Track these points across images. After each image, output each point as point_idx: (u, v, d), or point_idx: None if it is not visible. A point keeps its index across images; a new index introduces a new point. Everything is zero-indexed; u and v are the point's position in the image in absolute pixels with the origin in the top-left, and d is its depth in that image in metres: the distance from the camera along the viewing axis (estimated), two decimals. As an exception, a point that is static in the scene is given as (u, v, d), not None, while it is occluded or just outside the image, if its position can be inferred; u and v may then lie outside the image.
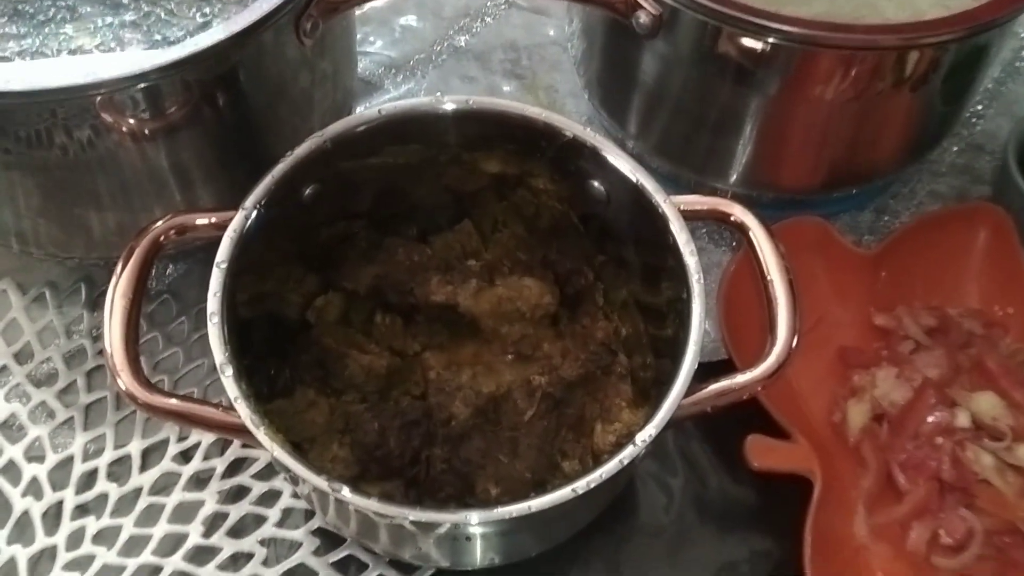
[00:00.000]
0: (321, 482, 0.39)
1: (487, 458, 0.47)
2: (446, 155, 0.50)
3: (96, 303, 0.57)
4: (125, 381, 0.41)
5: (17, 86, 0.41)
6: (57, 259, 0.55)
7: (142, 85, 0.44)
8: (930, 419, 0.51)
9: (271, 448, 0.39)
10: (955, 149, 0.67)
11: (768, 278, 0.45)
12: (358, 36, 0.66)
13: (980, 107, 0.69)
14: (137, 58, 0.42)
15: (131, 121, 0.46)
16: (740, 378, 0.43)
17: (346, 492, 0.38)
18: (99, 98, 0.43)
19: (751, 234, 0.46)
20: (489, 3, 0.73)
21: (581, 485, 0.39)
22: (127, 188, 0.49)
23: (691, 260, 0.44)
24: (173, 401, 0.41)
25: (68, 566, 0.48)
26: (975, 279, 0.57)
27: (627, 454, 0.40)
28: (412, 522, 0.40)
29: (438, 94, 0.48)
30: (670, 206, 0.45)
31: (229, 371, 0.40)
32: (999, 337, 0.55)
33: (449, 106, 0.48)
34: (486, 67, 0.70)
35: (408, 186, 0.52)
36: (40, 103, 0.43)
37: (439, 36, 0.72)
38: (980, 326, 0.55)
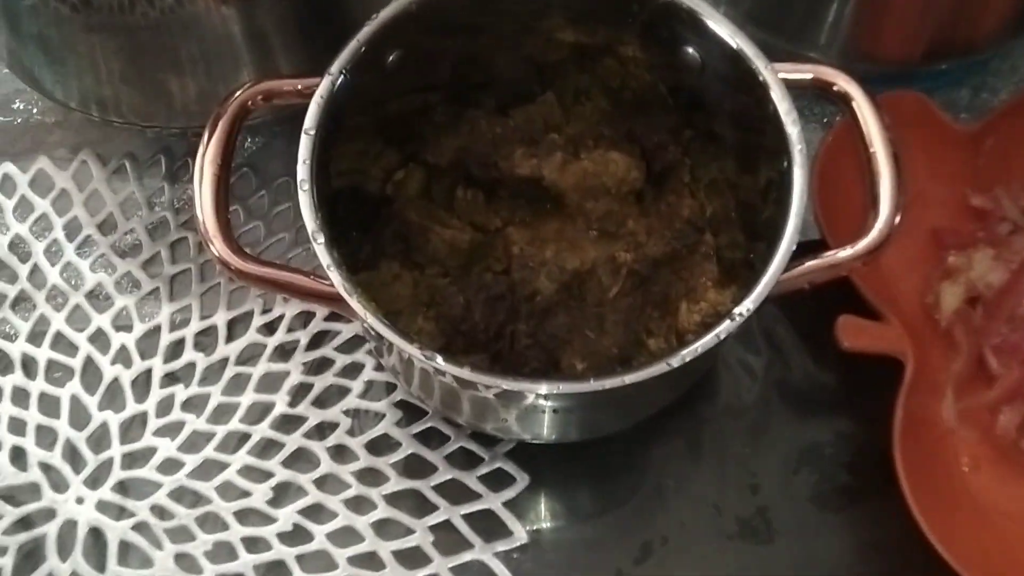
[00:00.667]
0: (414, 350, 0.39)
1: (572, 333, 0.47)
2: (532, 21, 0.48)
3: (176, 175, 0.56)
4: (218, 248, 0.41)
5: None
6: (137, 128, 0.54)
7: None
8: (1029, 302, 0.49)
9: (364, 315, 0.39)
10: (1061, 24, 0.63)
11: (872, 150, 0.43)
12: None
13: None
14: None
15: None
16: (841, 253, 0.41)
17: (439, 360, 0.38)
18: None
19: (854, 104, 0.44)
20: None
21: (676, 358, 0.38)
22: (208, 54, 0.48)
23: (793, 130, 0.42)
24: (266, 268, 0.41)
25: (159, 432, 0.50)
26: (1080, 160, 0.55)
27: (724, 328, 0.39)
28: (500, 393, 0.40)
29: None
30: (771, 73, 0.43)
31: (321, 239, 0.40)
32: (1103, 220, 0.53)
33: (539, -32, 0.46)
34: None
35: (489, 56, 0.50)
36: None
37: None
38: (1083, 209, 0.53)
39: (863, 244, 0.41)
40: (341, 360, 0.51)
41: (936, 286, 0.52)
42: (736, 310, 0.39)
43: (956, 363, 0.50)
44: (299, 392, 0.50)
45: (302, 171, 0.41)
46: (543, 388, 0.39)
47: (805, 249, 0.42)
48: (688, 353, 0.39)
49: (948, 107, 0.59)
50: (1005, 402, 0.49)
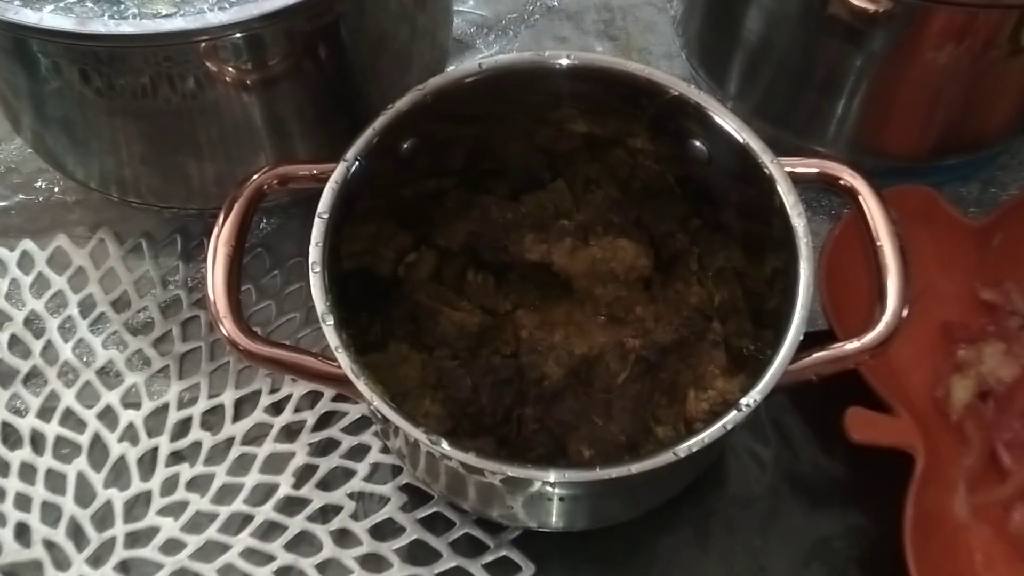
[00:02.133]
0: (420, 434, 0.38)
1: (580, 419, 0.47)
2: (543, 112, 0.49)
3: (191, 255, 0.57)
4: (228, 328, 0.41)
5: (126, 29, 0.41)
6: (155, 208, 0.55)
7: (246, 33, 0.43)
8: (1040, 397, 0.49)
9: (371, 398, 0.39)
10: (1068, 120, 0.64)
11: (878, 244, 0.43)
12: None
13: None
14: (243, 8, 0.42)
15: (234, 70, 0.46)
16: (848, 346, 0.41)
17: (444, 445, 0.38)
18: (203, 45, 0.43)
19: (861, 198, 0.44)
20: (583, -38, 0.72)
21: (683, 448, 0.38)
22: (227, 138, 0.49)
23: (799, 223, 0.43)
24: (274, 349, 0.41)
25: (163, 511, 0.49)
26: (1089, 255, 0.55)
27: (731, 419, 0.39)
28: (506, 479, 0.40)
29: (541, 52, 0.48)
30: (777, 167, 0.44)
31: (330, 320, 0.40)
32: (1114, 316, 0.53)
33: (551, 62, 0.47)
34: (579, 27, 0.69)
35: (501, 144, 0.51)
36: (145, 48, 0.43)
37: (532, -5, 0.71)
38: (1093, 304, 0.53)
39: (870, 337, 0.41)
40: (347, 442, 0.51)
41: (946, 380, 0.52)
42: (743, 400, 0.39)
43: (968, 458, 0.50)
44: (304, 473, 0.50)
45: (314, 254, 0.42)
46: (550, 476, 0.39)
47: (813, 340, 0.42)
48: (695, 443, 0.39)
49: (957, 201, 0.60)
50: (1019, 499, 0.48)
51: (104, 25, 0.41)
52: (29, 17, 0.42)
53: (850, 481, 0.51)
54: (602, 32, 0.69)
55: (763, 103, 0.57)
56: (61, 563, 0.48)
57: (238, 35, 0.44)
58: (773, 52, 0.54)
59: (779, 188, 0.44)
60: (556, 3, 0.70)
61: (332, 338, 0.40)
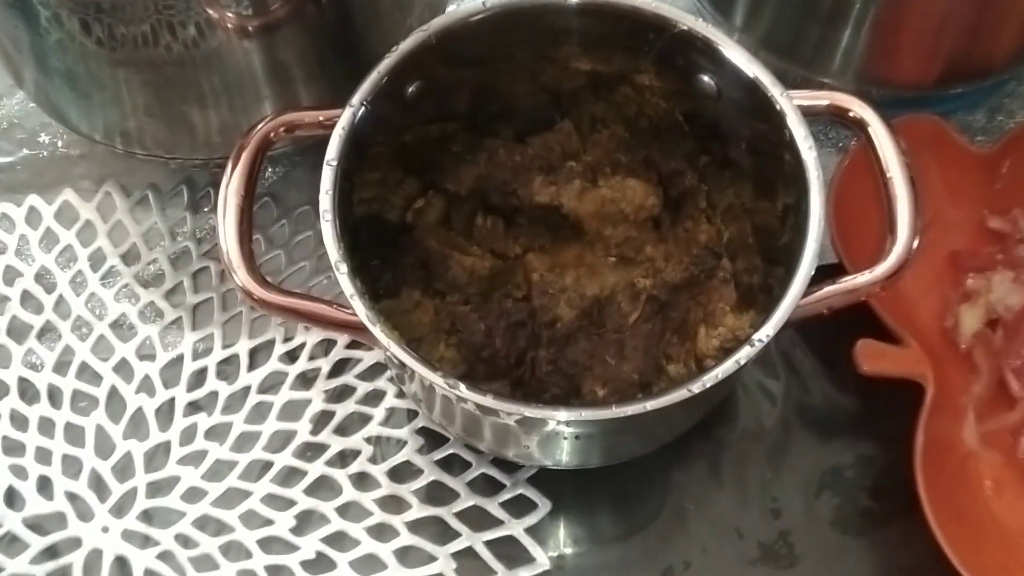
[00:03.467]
0: (437, 378, 0.39)
1: (593, 360, 0.47)
2: (549, 51, 0.49)
3: (198, 205, 0.57)
4: (241, 278, 0.41)
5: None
6: (160, 160, 0.55)
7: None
8: (1050, 324, 0.49)
9: (387, 345, 0.39)
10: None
11: (888, 175, 0.43)
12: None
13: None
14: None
15: (235, 16, 0.45)
16: (860, 278, 0.42)
17: (462, 388, 0.39)
18: (204, -9, 0.43)
19: (870, 130, 0.44)
20: None
21: (697, 385, 0.39)
22: (230, 86, 0.49)
23: (810, 155, 0.42)
24: (288, 298, 0.42)
25: (182, 460, 0.50)
26: (1097, 181, 0.55)
27: (744, 354, 0.39)
28: (522, 419, 0.41)
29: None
30: (787, 100, 0.44)
31: (344, 268, 0.40)
32: (1122, 241, 0.53)
33: (556, -1, 0.46)
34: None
35: (506, 86, 0.51)
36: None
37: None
38: (1102, 230, 0.53)
39: (881, 269, 0.42)
40: (362, 388, 0.51)
41: (955, 309, 0.52)
42: (755, 336, 0.39)
43: (977, 386, 0.50)
44: (321, 420, 0.51)
45: (325, 201, 0.42)
46: (564, 415, 0.40)
47: (823, 274, 0.42)
48: (709, 379, 0.39)
49: (964, 130, 0.59)
50: (1027, 425, 0.49)
51: (102, -26, 0.41)
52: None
53: (859, 412, 0.52)
54: (603, -33, 0.68)
55: (769, 34, 0.57)
56: (84, 514, 0.49)
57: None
58: (777, -17, 0.54)
59: (789, 122, 0.43)
60: (555, -61, 0.69)
61: (347, 285, 0.40)
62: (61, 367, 0.52)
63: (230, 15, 0.45)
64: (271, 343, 0.53)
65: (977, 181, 0.55)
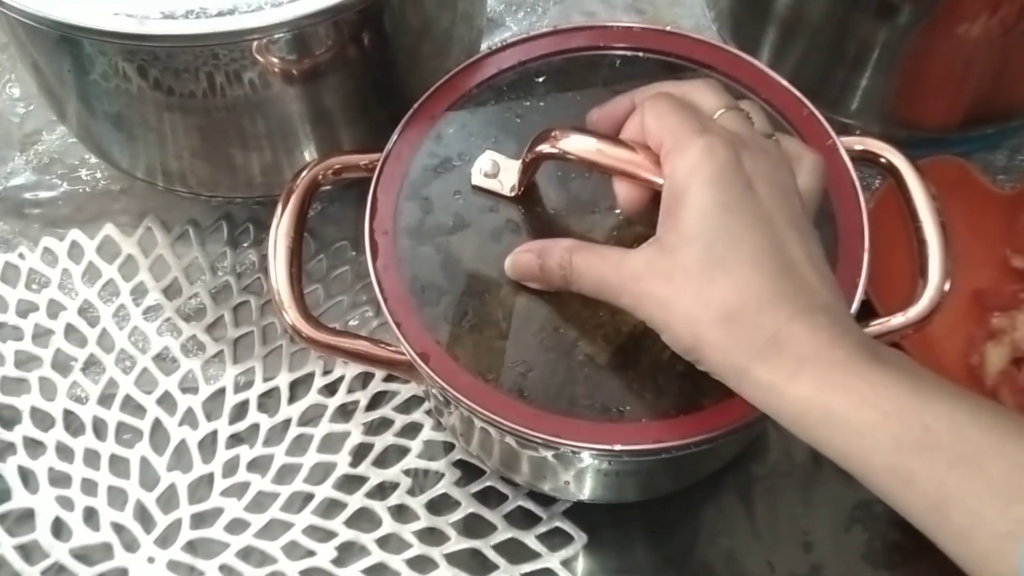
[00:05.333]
0: (498, 419, 0.40)
1: (630, 395, 0.48)
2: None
3: (237, 241, 0.58)
4: (292, 317, 0.43)
5: (182, 30, 0.42)
6: (200, 197, 0.56)
7: (297, 29, 0.44)
8: (1074, 363, 0.50)
9: (442, 384, 0.41)
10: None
11: (919, 220, 0.45)
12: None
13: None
14: (294, 5, 0.43)
15: (284, 64, 0.47)
16: (894, 320, 0.43)
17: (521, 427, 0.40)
18: (256, 43, 0.44)
19: (902, 175, 0.46)
20: (608, -65, 0.72)
21: (734, 423, 0.40)
22: (275, 130, 0.50)
23: (859, 200, 0.44)
24: (337, 338, 0.43)
25: (225, 492, 0.51)
26: (1118, 220, 0.56)
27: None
28: (560, 453, 0.42)
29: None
30: (838, 144, 0.45)
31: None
32: None
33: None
34: (607, 2, 0.70)
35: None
36: (201, 47, 0.44)
37: (558, -30, 0.71)
38: (1123, 268, 0.54)
39: (915, 312, 0.43)
40: (400, 420, 0.53)
41: (981, 347, 0.53)
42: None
43: (1003, 422, 0.51)
44: (360, 452, 0.52)
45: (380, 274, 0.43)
46: (618, 447, 0.41)
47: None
48: (745, 418, 0.40)
49: (986, 169, 0.61)
50: (1053, 461, 0.49)
51: (161, 26, 0.42)
52: (86, 18, 0.43)
53: (888, 446, 0.53)
54: (630, 6, 0.70)
55: (795, 76, 0.57)
56: (130, 545, 0.50)
57: (289, 32, 0.44)
58: (805, 27, 0.55)
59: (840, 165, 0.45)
60: (583, -23, 0.71)
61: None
62: (105, 400, 0.53)
63: (278, 63, 0.46)
64: (311, 376, 0.54)
65: (1000, 221, 0.56)
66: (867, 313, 0.45)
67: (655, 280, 0.38)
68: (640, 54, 0.49)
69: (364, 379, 0.54)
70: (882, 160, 0.46)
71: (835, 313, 0.36)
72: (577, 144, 0.42)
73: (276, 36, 0.44)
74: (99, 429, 0.53)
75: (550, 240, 0.43)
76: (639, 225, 0.52)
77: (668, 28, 0.50)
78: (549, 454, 0.44)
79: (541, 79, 0.49)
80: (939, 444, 0.32)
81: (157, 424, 0.53)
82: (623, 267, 0.39)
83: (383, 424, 0.53)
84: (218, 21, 0.43)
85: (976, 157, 0.61)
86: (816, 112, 0.47)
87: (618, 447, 0.41)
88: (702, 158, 0.36)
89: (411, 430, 0.52)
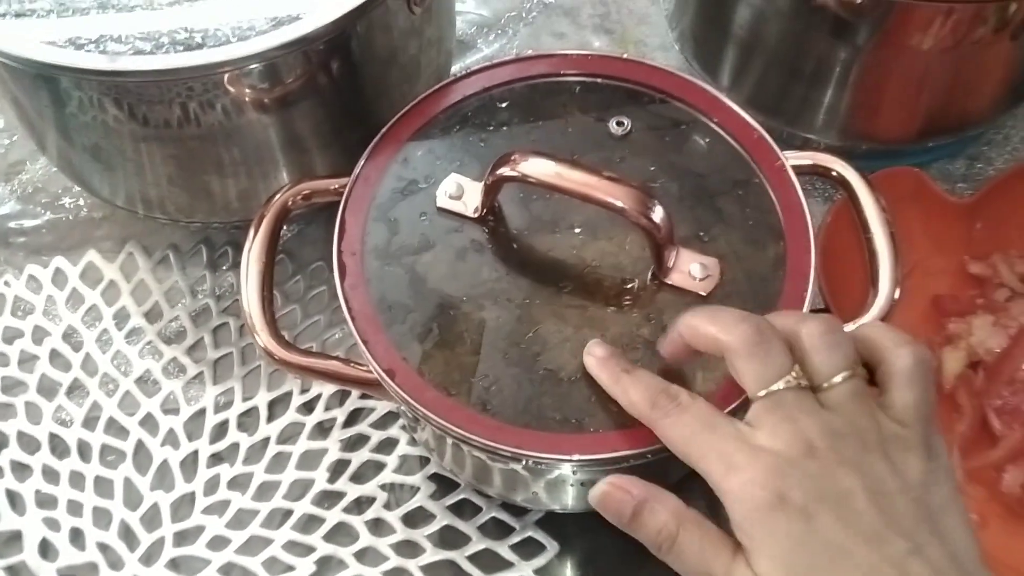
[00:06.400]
0: (471, 436, 0.42)
1: (596, 406, 0.50)
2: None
3: (216, 264, 0.60)
4: (264, 340, 0.44)
5: (154, 65, 0.44)
6: (179, 223, 0.58)
7: (267, 61, 0.46)
8: (1027, 366, 0.52)
9: (410, 401, 0.42)
10: (1050, 93, 0.66)
11: (870, 231, 0.46)
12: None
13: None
14: (264, 38, 0.45)
15: (255, 93, 0.48)
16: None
17: (489, 442, 0.42)
18: (227, 75, 0.46)
19: (853, 188, 0.47)
20: (576, -42, 0.74)
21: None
22: (249, 157, 0.52)
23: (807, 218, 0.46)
24: (308, 358, 0.45)
25: (207, 510, 0.52)
26: (1073, 226, 0.58)
27: (738, 403, 0.42)
28: (531, 465, 0.43)
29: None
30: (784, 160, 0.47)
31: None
32: (1097, 283, 0.56)
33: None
34: (576, 22, 0.71)
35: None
36: (173, 80, 0.46)
37: (528, -7, 0.73)
38: (1077, 272, 0.56)
39: (865, 320, 0.44)
40: (376, 436, 0.54)
41: (938, 351, 0.54)
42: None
43: (961, 425, 0.53)
44: (337, 468, 0.53)
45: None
46: (573, 457, 0.42)
47: None
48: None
49: (945, 177, 0.62)
50: (1009, 461, 0.51)
51: (132, 61, 0.44)
52: (59, 56, 0.45)
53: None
54: (598, 26, 0.71)
55: (755, 93, 0.60)
56: (115, 563, 0.51)
57: (259, 64, 0.46)
58: (763, 46, 0.57)
59: (786, 180, 0.47)
60: (552, 0, 0.73)
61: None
62: (90, 422, 0.55)
63: (249, 93, 0.48)
64: (288, 395, 0.55)
65: (957, 229, 0.57)
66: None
67: None
68: (598, 80, 0.51)
69: (341, 397, 0.55)
70: (833, 174, 0.48)
71: None
72: (535, 167, 0.44)
73: (247, 68, 0.46)
74: (84, 451, 0.54)
75: (652, 488, 0.39)
76: (602, 240, 0.54)
77: (624, 55, 0.52)
78: (517, 466, 0.45)
79: (504, 104, 0.51)
80: None
81: (140, 445, 0.54)
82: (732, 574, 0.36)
83: (360, 440, 0.54)
84: (188, 56, 0.44)
85: (936, 166, 0.63)
86: (765, 135, 0.48)
87: (576, 457, 0.42)
88: (739, 504, 0.35)
89: (387, 445, 0.54)
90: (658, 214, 0.45)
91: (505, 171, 0.45)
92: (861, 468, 0.34)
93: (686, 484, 0.52)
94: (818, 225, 0.56)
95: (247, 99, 0.48)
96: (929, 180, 0.57)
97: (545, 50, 0.53)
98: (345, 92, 0.52)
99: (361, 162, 0.48)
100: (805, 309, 0.44)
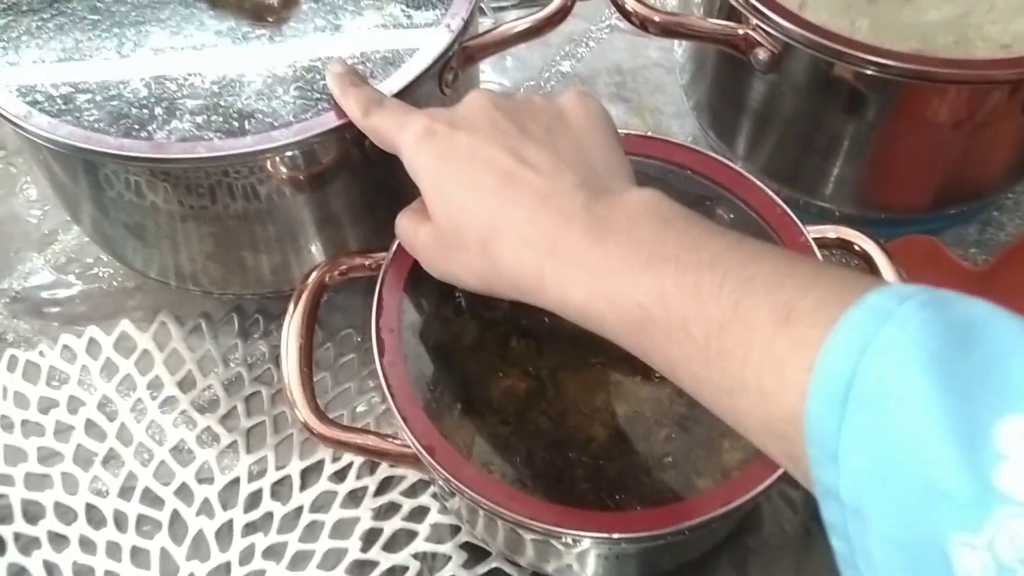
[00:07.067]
0: (504, 511, 0.43)
1: (628, 477, 0.51)
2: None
3: (248, 332, 0.61)
4: (304, 415, 0.45)
5: (202, 153, 0.45)
6: (211, 295, 0.59)
7: (306, 147, 0.48)
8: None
9: (448, 477, 0.43)
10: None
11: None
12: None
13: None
14: (303, 124, 0.46)
15: (294, 174, 0.50)
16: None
17: (527, 518, 0.43)
18: (268, 160, 0.48)
19: (874, 261, 0.49)
20: (592, 28, 0.76)
21: (732, 505, 0.43)
22: (284, 233, 0.53)
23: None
24: (347, 434, 0.46)
25: (242, 580, 0.53)
26: (1088, 292, 0.59)
27: (773, 479, 0.43)
28: (567, 541, 0.44)
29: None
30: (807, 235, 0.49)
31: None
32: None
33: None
34: (592, 91, 0.73)
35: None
36: (220, 166, 0.47)
37: (546, 63, 0.75)
38: (1092, 337, 0.57)
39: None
40: (407, 504, 0.55)
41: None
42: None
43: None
44: (370, 537, 0.54)
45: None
46: (613, 535, 0.43)
47: None
48: (742, 500, 0.43)
49: (958, 242, 0.64)
50: None
51: (176, 148, 0.46)
52: (101, 143, 0.46)
53: (876, 516, 0.55)
54: (615, 95, 0.73)
55: (771, 163, 0.61)
56: (152, 633, 0.52)
57: (297, 150, 0.48)
58: (778, 119, 0.59)
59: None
60: (569, 69, 0.75)
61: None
62: (126, 492, 0.56)
63: (288, 174, 0.49)
64: (321, 463, 0.56)
65: (973, 294, 0.58)
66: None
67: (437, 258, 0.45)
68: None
69: (372, 465, 0.56)
70: (855, 247, 0.49)
71: (564, 195, 0.40)
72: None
73: (286, 153, 0.48)
74: (120, 522, 0.55)
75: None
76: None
77: (649, 134, 0.53)
78: (554, 540, 0.46)
79: None
80: (652, 318, 0.36)
81: (175, 515, 0.55)
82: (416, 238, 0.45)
83: (391, 508, 0.55)
84: (231, 142, 0.46)
85: (949, 232, 0.64)
86: (788, 211, 0.50)
87: (616, 535, 0.43)
88: (406, 148, 0.43)
89: (418, 514, 0.55)
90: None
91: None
92: (500, 119, 0.43)
93: (716, 551, 0.53)
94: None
95: (285, 179, 0.50)
96: (944, 248, 0.59)
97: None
98: (378, 169, 0.53)
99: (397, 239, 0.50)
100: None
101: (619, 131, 0.53)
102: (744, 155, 0.63)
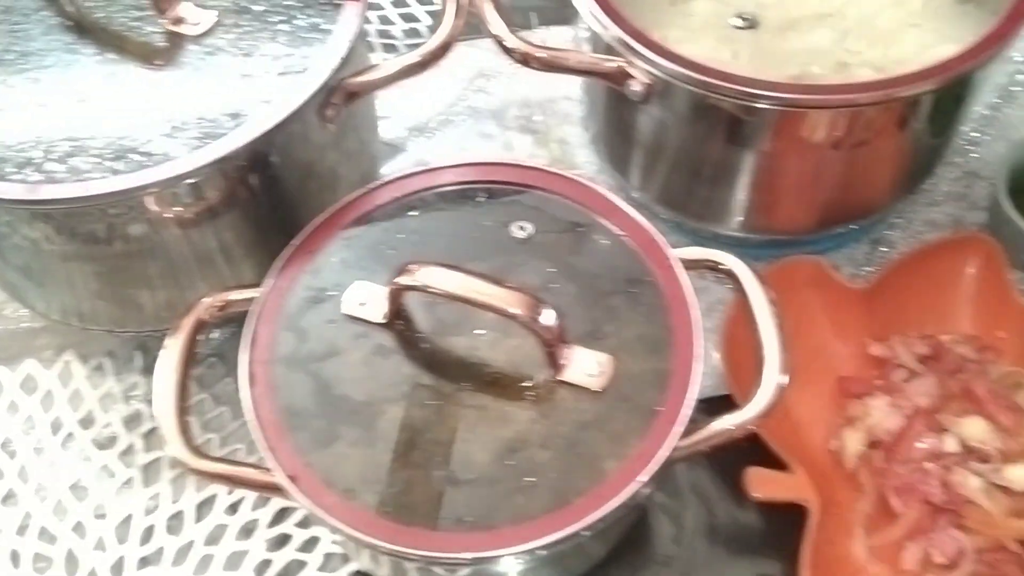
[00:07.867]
0: (355, 532, 0.43)
1: (506, 500, 0.51)
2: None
3: (150, 369, 0.61)
4: (175, 449, 0.46)
5: (75, 193, 0.47)
6: (113, 333, 0.60)
7: (186, 182, 0.49)
8: (920, 445, 0.54)
9: (308, 503, 0.44)
10: (950, 177, 0.69)
11: (756, 323, 0.49)
12: (379, 102, 0.70)
13: (976, 134, 0.72)
14: (181, 160, 0.48)
15: (176, 211, 0.51)
16: (729, 419, 0.46)
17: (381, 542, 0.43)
18: (146, 196, 0.49)
19: (740, 280, 0.50)
20: (502, 62, 0.78)
21: (588, 523, 0.44)
22: (173, 269, 0.54)
23: (695, 314, 0.48)
24: (220, 465, 0.47)
25: (135, 613, 0.54)
26: (967, 306, 0.60)
27: (627, 492, 0.44)
28: (429, 564, 0.45)
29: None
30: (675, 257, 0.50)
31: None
32: (991, 361, 0.58)
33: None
34: (501, 123, 0.75)
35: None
36: (95, 205, 0.48)
37: (456, 97, 0.76)
38: (973, 351, 0.58)
39: (749, 409, 0.46)
40: (299, 535, 0.56)
41: (840, 433, 0.57)
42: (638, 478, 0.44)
43: (863, 503, 0.54)
44: (262, 568, 0.55)
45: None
46: (468, 556, 0.44)
47: (719, 404, 0.49)
48: (596, 519, 0.44)
49: (850, 261, 0.65)
50: (908, 539, 0.53)
51: (51, 190, 0.47)
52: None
53: (763, 530, 0.56)
54: (524, 127, 0.75)
55: (663, 192, 0.63)
56: (44, 670, 0.52)
57: (174, 186, 0.49)
58: (664, 150, 0.60)
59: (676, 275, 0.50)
60: (480, 103, 0.76)
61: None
62: (22, 531, 0.56)
63: (171, 211, 0.51)
64: (214, 497, 0.57)
65: (858, 313, 0.60)
66: (728, 406, 0.48)
67: None
68: (503, 187, 0.54)
69: (265, 498, 0.57)
70: (721, 267, 0.51)
71: None
72: (431, 277, 0.47)
73: (166, 189, 0.49)
74: (15, 559, 0.55)
75: None
76: (505, 341, 0.56)
77: (529, 164, 0.55)
78: (425, 565, 0.47)
79: (413, 213, 0.54)
80: None
81: (70, 553, 0.55)
82: None
83: (284, 540, 0.56)
84: (107, 182, 0.47)
85: (842, 251, 0.66)
86: (656, 236, 0.51)
87: (488, 553, 0.44)
88: None
89: (310, 544, 0.55)
90: (547, 318, 0.48)
91: (404, 280, 0.48)
92: None
93: (603, 570, 0.54)
94: (722, 314, 0.59)
95: (168, 216, 0.51)
96: (828, 267, 0.60)
97: (453, 159, 0.56)
98: (265, 204, 0.55)
99: (272, 273, 0.51)
100: (693, 396, 0.46)
101: (499, 161, 0.55)
102: (639, 185, 0.64)
